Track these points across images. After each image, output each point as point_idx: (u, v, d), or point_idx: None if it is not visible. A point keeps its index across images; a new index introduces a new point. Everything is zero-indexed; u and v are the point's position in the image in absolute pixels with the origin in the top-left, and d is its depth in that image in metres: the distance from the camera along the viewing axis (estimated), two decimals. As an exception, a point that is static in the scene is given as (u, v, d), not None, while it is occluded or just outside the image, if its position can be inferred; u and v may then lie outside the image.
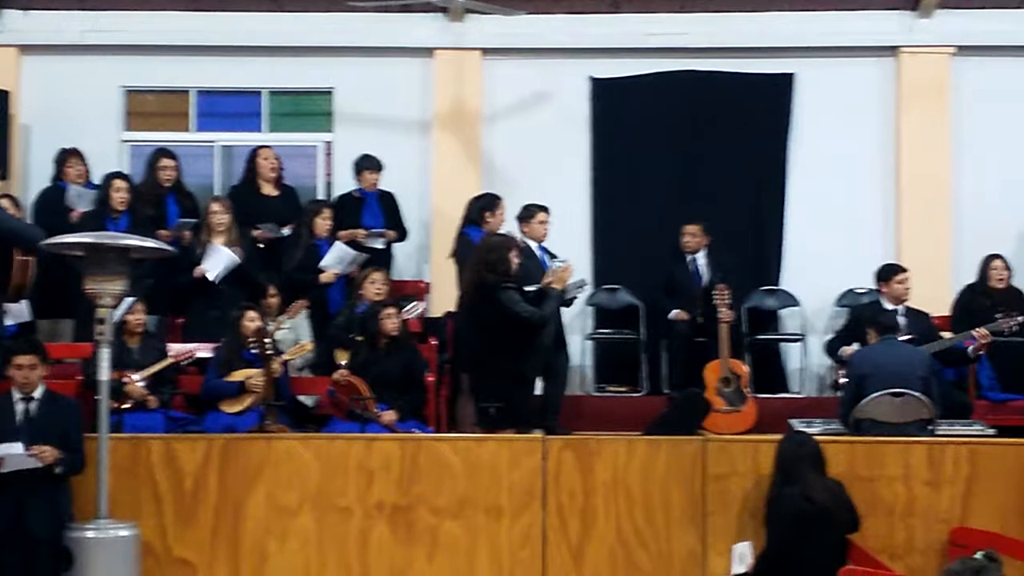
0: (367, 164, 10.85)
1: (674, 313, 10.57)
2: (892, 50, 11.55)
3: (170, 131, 11.85)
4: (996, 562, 5.61)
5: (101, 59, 11.67)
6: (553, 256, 9.84)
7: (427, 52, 11.68)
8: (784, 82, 11.61)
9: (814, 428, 8.59)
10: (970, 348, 9.22)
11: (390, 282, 9.91)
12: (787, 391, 11.22)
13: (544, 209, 9.96)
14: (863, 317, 9.39)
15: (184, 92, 11.90)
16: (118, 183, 10.09)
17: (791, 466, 7.29)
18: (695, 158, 11.55)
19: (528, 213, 9.93)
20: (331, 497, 7.85)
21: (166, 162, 10.61)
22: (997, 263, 10.23)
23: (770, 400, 10.56)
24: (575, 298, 9.75)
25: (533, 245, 9.80)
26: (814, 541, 7.01)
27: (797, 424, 8.85)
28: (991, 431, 8.71)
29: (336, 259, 10.09)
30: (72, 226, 9.68)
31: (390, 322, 9.10)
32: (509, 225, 9.92)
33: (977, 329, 9.19)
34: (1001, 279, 10.18)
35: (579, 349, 11.22)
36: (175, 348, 9.36)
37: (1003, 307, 9.77)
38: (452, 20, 11.58)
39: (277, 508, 7.86)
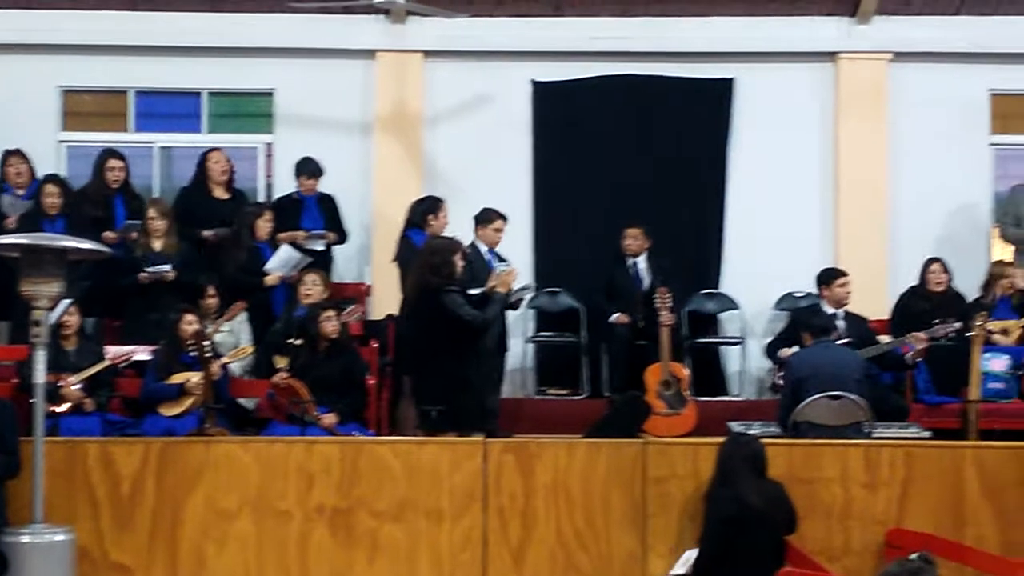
0: (305, 169, 10.78)
1: (615, 317, 10.61)
2: (831, 56, 11.66)
3: (108, 132, 11.74)
4: (931, 564, 5.68)
5: (38, 59, 11.55)
6: (503, 260, 9.87)
7: (368, 54, 11.65)
8: (724, 87, 11.69)
9: (753, 431, 8.64)
10: (908, 354, 9.33)
11: (325, 284, 9.85)
12: (727, 394, 11.30)
13: (502, 217, 10.08)
14: (798, 320, 9.48)
15: (122, 92, 11.79)
16: (49, 187, 10.06)
17: (728, 468, 7.33)
18: (636, 162, 11.59)
19: (486, 217, 10.05)
20: (271, 500, 7.80)
21: (114, 163, 10.52)
22: (935, 267, 10.37)
23: (710, 403, 10.62)
24: (521, 301, 9.77)
25: (484, 249, 9.83)
26: (748, 543, 7.04)
27: (736, 427, 8.90)
28: (927, 434, 8.81)
29: (281, 262, 10.04)
30: (9, 231, 9.58)
31: (329, 324, 9.07)
32: (456, 227, 9.93)
33: (914, 334, 9.30)
34: (939, 282, 10.31)
35: (520, 352, 11.24)
36: (112, 351, 9.27)
37: (942, 310, 9.91)
38: (394, 22, 11.56)
39: (216, 512, 7.79)
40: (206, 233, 10.27)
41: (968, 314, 9.88)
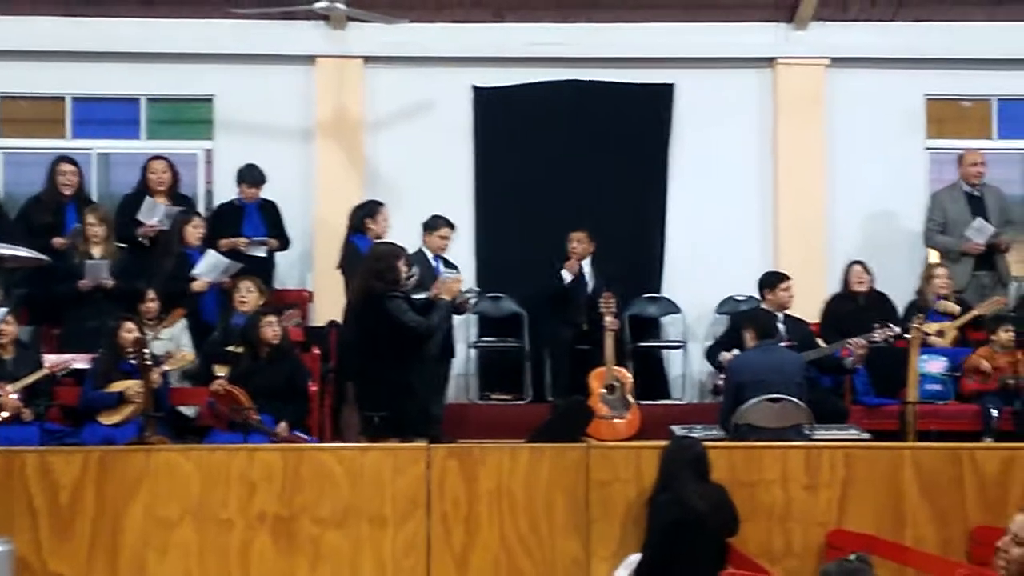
0: (247, 178, 10.70)
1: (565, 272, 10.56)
2: (769, 61, 11.75)
3: (46, 138, 11.63)
4: (868, 564, 5.73)
5: (-27, 66, 11.43)
6: (451, 267, 9.88)
7: (309, 60, 11.61)
8: (664, 92, 11.75)
9: (695, 434, 8.67)
10: (849, 359, 9.43)
11: (261, 291, 9.80)
12: (669, 398, 11.34)
13: (449, 225, 10.17)
14: (743, 318, 9.54)
15: (60, 99, 11.67)
16: None
17: (671, 471, 7.37)
18: (577, 167, 11.62)
19: (433, 224, 10.19)
20: (212, 509, 7.75)
21: (65, 168, 10.42)
22: (856, 268, 10.53)
23: (652, 407, 10.66)
24: (468, 305, 9.76)
25: (430, 255, 9.84)
26: (689, 546, 7.08)
27: (678, 430, 8.94)
28: (866, 435, 8.89)
29: (208, 267, 9.98)
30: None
31: (270, 330, 9.02)
32: (399, 232, 9.91)
33: (852, 339, 9.41)
34: (861, 282, 10.46)
35: (463, 357, 11.22)
36: (51, 359, 9.17)
37: (868, 311, 10.05)
38: (334, 28, 11.53)
39: (156, 520, 7.73)
40: (141, 229, 10.20)
41: (907, 316, 10.04)
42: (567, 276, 10.59)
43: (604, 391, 10.00)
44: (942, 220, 10.97)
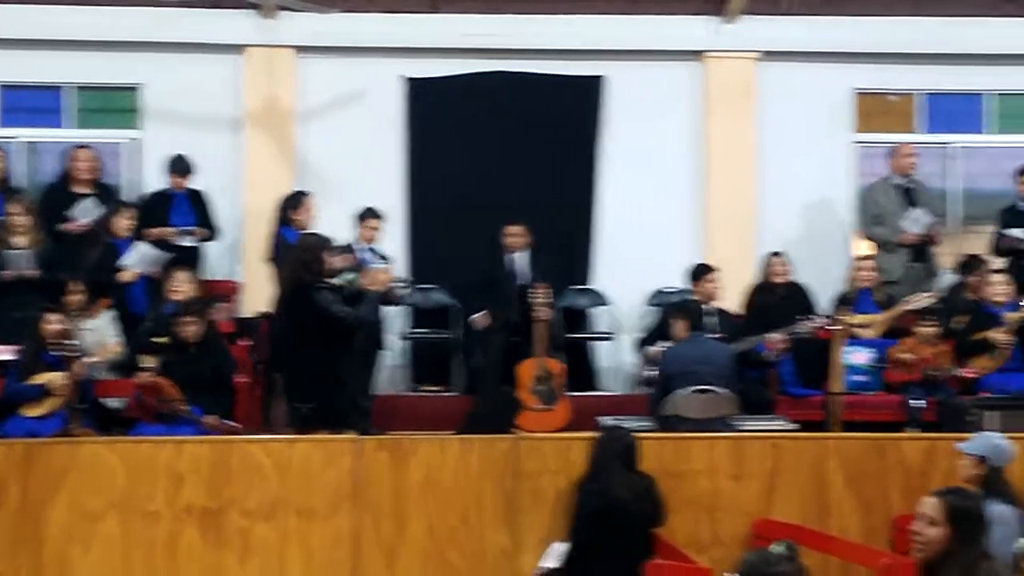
0: (176, 168, 10.63)
1: (476, 317, 10.61)
2: (699, 55, 11.81)
3: (-30, 127, 11.48)
4: (791, 551, 5.79)
5: None
6: (384, 258, 9.85)
7: (238, 49, 11.52)
8: (595, 84, 11.78)
9: (624, 425, 8.72)
10: (769, 353, 9.53)
11: (194, 282, 9.73)
12: (598, 389, 11.38)
13: (377, 216, 10.16)
14: (673, 308, 9.60)
15: (-16, 87, 11.54)
16: None
17: (599, 461, 7.40)
18: (508, 158, 11.62)
19: (361, 215, 10.19)
20: (138, 502, 7.69)
21: None
22: (776, 259, 10.63)
23: (581, 398, 10.69)
24: (398, 298, 9.73)
25: (361, 247, 9.81)
26: (616, 535, 7.12)
27: (607, 421, 8.98)
28: (792, 426, 8.99)
29: (138, 258, 9.90)
30: None
31: (188, 329, 8.90)
32: (330, 223, 9.87)
33: (772, 335, 9.51)
34: (779, 274, 10.56)
35: (394, 349, 11.21)
36: (-26, 351, 9.06)
37: (788, 302, 10.18)
38: (264, 16, 11.45)
39: (81, 514, 7.66)
40: (66, 225, 10.08)
41: (834, 308, 10.15)
42: (479, 324, 10.60)
43: (534, 382, 10.02)
44: (876, 212, 11.10)
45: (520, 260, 10.80)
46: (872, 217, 11.11)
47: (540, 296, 10.18)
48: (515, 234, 10.75)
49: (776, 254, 10.67)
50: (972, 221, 11.69)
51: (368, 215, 10.31)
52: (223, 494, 7.73)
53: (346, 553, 7.75)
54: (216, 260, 11.20)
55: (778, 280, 10.58)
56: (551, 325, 10.24)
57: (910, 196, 11.05)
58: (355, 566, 7.74)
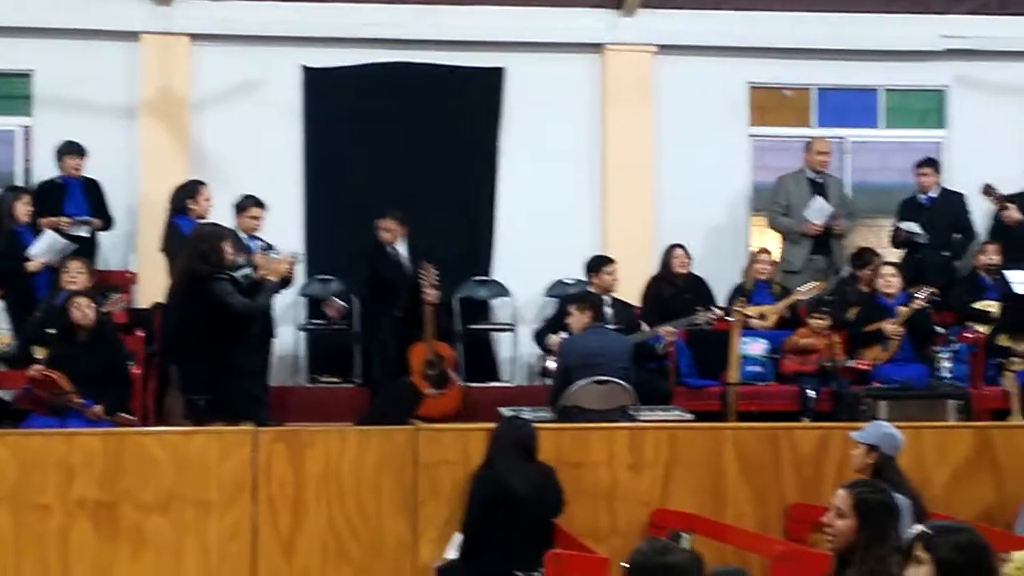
0: (68, 150, 10.48)
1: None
2: (598, 47, 11.87)
3: None
4: (681, 539, 5.88)
5: None
6: (269, 248, 9.75)
7: (133, 36, 11.34)
8: (495, 76, 11.78)
9: (523, 416, 8.74)
10: (659, 344, 9.63)
11: (90, 272, 9.58)
12: (498, 380, 11.40)
13: (258, 204, 9.98)
14: (569, 300, 9.65)
15: None
16: None
17: (497, 450, 7.42)
18: (408, 149, 11.59)
19: (242, 205, 9.98)
20: (29, 495, 7.53)
21: None
22: (678, 251, 10.74)
23: (481, 389, 10.72)
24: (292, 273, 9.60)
25: (244, 237, 9.69)
26: (512, 525, 7.14)
27: (507, 412, 9.00)
28: (689, 416, 9.07)
29: (45, 248, 9.73)
30: None
31: (78, 312, 8.76)
32: (220, 213, 9.76)
33: (663, 328, 9.60)
34: (683, 265, 10.68)
35: (292, 340, 11.14)
36: None
37: (687, 293, 10.29)
38: (159, 4, 11.29)
39: (-30, 508, 7.50)
40: None
41: (730, 299, 10.29)
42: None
43: (425, 367, 9.99)
44: (786, 203, 11.26)
45: (401, 250, 10.72)
46: (782, 208, 11.28)
47: (428, 278, 10.13)
48: (387, 228, 10.66)
49: (678, 246, 10.77)
50: (865, 215, 11.88)
51: (249, 204, 10.03)
52: (117, 487, 7.60)
53: (243, 546, 7.66)
54: (110, 250, 11.03)
55: (679, 272, 10.68)
56: (439, 308, 10.21)
57: (821, 190, 11.23)
58: (252, 559, 7.66)
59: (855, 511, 5.07)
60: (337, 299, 10.76)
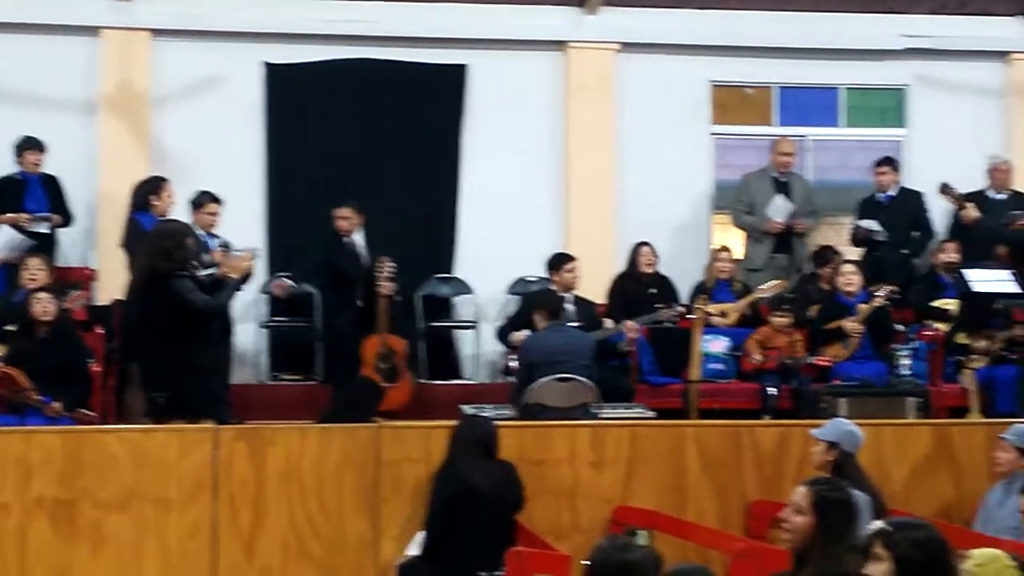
0: (27, 145, 10.40)
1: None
2: (560, 45, 11.87)
3: None
4: (639, 536, 5.91)
5: None
6: (226, 245, 9.70)
7: (93, 31, 11.26)
8: (457, 73, 11.76)
9: (485, 413, 8.75)
10: (620, 342, 9.65)
11: (51, 268, 9.52)
12: (461, 377, 11.39)
13: (215, 200, 9.90)
14: (532, 300, 9.66)
15: None
16: None
17: (458, 448, 7.42)
18: (370, 146, 11.56)
19: (198, 201, 9.89)
20: (-13, 493, 7.48)
21: None
22: (645, 249, 10.77)
23: (444, 386, 10.71)
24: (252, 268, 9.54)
25: (201, 233, 9.65)
26: (474, 522, 7.14)
27: (469, 410, 9.00)
28: (651, 414, 9.09)
29: (4, 244, 9.66)
30: None
31: (39, 306, 8.70)
32: (177, 209, 9.71)
33: (626, 323, 9.62)
34: (649, 264, 10.72)
35: (253, 337, 11.09)
36: None
37: (654, 291, 10.30)
38: (120, -2, 11.23)
39: (-73, 507, 7.43)
40: None
41: (691, 297, 10.33)
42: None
43: (377, 359, 9.97)
44: (749, 202, 11.32)
45: (358, 241, 10.68)
46: (745, 206, 11.34)
47: (384, 271, 10.11)
48: (344, 216, 10.59)
49: (644, 244, 10.79)
50: (826, 213, 11.94)
51: (206, 200, 9.94)
52: (76, 485, 7.55)
53: (204, 544, 7.63)
54: (70, 247, 10.96)
55: (645, 270, 10.70)
56: (397, 303, 10.19)
57: (785, 189, 11.28)
58: (213, 557, 7.63)
59: (813, 508, 5.10)
60: (286, 279, 10.62)
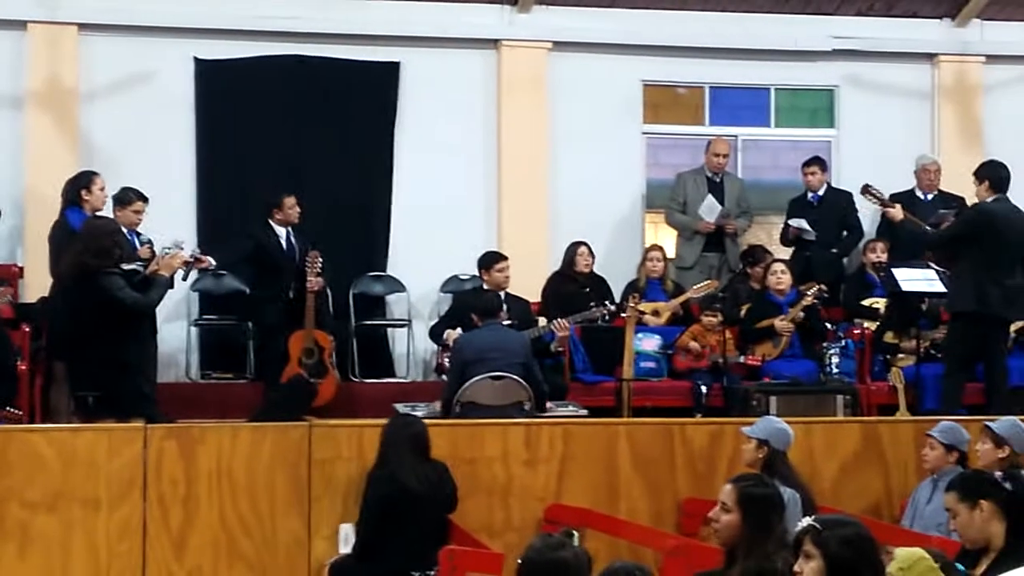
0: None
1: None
2: (493, 43, 11.87)
3: None
4: (572, 536, 5.94)
5: None
6: (151, 243, 9.59)
7: (20, 25, 11.10)
8: (391, 70, 11.72)
9: (418, 412, 8.74)
10: (552, 341, 9.68)
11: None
12: (393, 375, 11.36)
13: (142, 198, 9.74)
14: (467, 302, 9.66)
15: None
16: None
17: (389, 448, 7.39)
18: (302, 144, 11.50)
19: (125, 198, 9.71)
20: (-89, 494, 7.36)
21: None
22: (582, 249, 10.84)
23: (376, 385, 10.67)
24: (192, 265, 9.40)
25: (125, 231, 9.53)
26: (408, 522, 7.12)
27: (402, 408, 8.98)
28: (584, 411, 9.13)
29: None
30: None
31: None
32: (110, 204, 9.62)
33: (556, 321, 9.65)
34: (587, 264, 10.77)
35: (184, 335, 11.00)
36: None
37: (589, 290, 10.35)
38: (47, -8, 11.08)
39: None
40: None
41: (624, 296, 10.37)
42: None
43: (303, 355, 9.92)
44: (683, 200, 11.40)
45: (290, 234, 10.54)
46: (679, 205, 11.41)
47: (313, 266, 10.05)
48: (292, 206, 10.43)
49: (582, 243, 10.82)
50: (756, 212, 12.04)
51: (132, 197, 9.71)
52: (2, 485, 7.41)
53: (133, 544, 7.53)
54: (-5, 244, 10.82)
55: (583, 270, 10.73)
56: (326, 299, 10.14)
57: (715, 188, 11.36)
58: (143, 557, 7.53)
59: (739, 505, 5.15)
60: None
